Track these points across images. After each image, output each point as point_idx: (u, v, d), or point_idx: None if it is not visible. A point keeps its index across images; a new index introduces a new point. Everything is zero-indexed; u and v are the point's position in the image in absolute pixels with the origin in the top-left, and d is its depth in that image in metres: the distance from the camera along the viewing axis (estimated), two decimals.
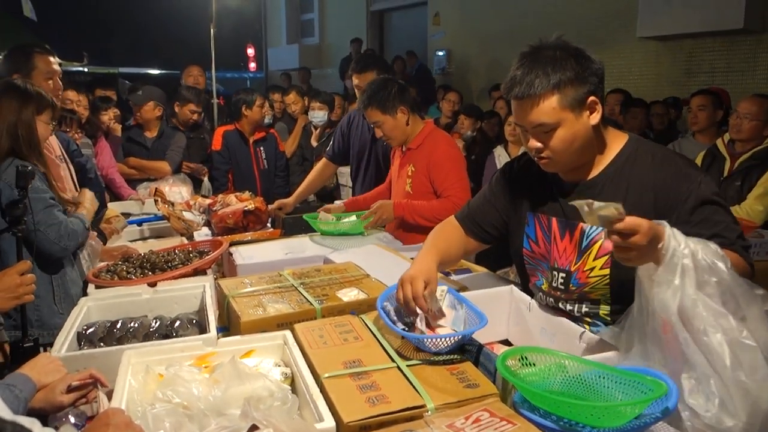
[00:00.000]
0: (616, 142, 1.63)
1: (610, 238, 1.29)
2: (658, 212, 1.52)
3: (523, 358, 1.34)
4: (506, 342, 1.82)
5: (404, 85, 2.94)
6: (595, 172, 1.63)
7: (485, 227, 1.87)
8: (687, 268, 1.25)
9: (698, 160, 3.74)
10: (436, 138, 2.90)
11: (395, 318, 1.60)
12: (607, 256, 1.59)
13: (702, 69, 6.62)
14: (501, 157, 4.97)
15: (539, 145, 1.57)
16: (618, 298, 1.59)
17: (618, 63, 7.27)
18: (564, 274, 1.67)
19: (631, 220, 1.25)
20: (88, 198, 2.50)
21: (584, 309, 1.67)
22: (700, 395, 1.21)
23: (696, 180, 1.52)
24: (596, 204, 1.25)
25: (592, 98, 1.53)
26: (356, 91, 3.44)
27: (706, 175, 1.56)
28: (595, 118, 1.55)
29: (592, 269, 1.62)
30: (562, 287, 1.68)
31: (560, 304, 1.71)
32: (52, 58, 2.74)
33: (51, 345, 1.88)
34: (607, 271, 1.59)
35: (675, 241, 1.27)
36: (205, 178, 4.60)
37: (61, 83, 2.79)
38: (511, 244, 1.84)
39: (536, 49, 1.54)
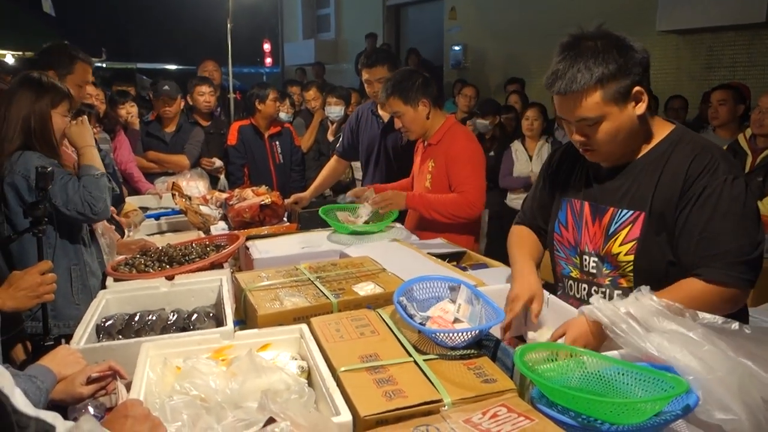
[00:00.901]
0: (662, 130, 1.61)
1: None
2: (680, 198, 1.51)
3: (541, 354, 1.33)
4: (523, 337, 1.80)
5: (429, 78, 2.92)
6: (637, 156, 1.61)
7: (539, 223, 1.87)
8: (628, 323, 1.31)
9: None
10: (456, 132, 2.88)
11: (412, 312, 1.59)
12: (632, 243, 1.57)
13: (723, 63, 6.52)
14: (518, 151, 4.95)
15: (583, 138, 1.56)
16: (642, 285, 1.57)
17: None
18: (596, 258, 1.66)
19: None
20: (74, 132, 2.37)
21: (615, 296, 1.64)
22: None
23: (720, 177, 1.47)
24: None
25: (637, 89, 1.50)
26: (366, 85, 3.43)
27: (738, 177, 1.49)
28: (641, 108, 1.52)
29: (617, 255, 1.60)
30: (594, 271, 1.67)
31: (593, 290, 1.69)
32: (90, 68, 2.80)
33: (65, 336, 1.91)
34: (631, 258, 1.58)
35: (604, 314, 1.35)
36: (221, 174, 4.62)
37: (87, 92, 2.86)
38: (548, 231, 1.84)
39: (577, 40, 1.52)
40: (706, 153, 1.51)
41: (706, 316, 1.29)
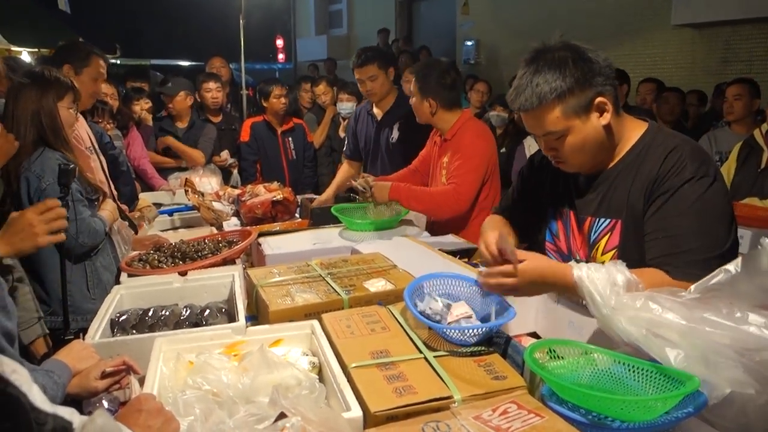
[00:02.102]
0: (634, 133, 1.59)
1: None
2: (648, 201, 1.50)
3: (551, 351, 1.33)
4: (534, 335, 1.80)
5: (452, 77, 2.93)
6: (611, 165, 1.60)
7: (514, 220, 1.87)
8: (605, 296, 1.30)
9: (734, 152, 3.65)
10: (468, 128, 2.87)
11: (423, 309, 1.59)
12: (613, 251, 1.58)
13: (739, 57, 6.44)
14: (531, 147, 4.91)
15: (552, 151, 1.57)
16: None
17: (651, 52, 7.11)
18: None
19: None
20: (110, 207, 2.49)
21: None
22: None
23: (686, 177, 1.46)
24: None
25: (599, 99, 1.49)
26: (359, 85, 3.50)
27: (705, 176, 1.46)
28: (606, 118, 1.51)
29: (603, 263, 1.60)
30: None
31: None
32: (103, 63, 2.84)
33: (82, 329, 1.93)
34: None
35: (585, 278, 1.33)
36: (234, 169, 4.64)
37: (102, 86, 2.90)
38: (534, 239, 1.83)
39: (538, 54, 1.51)
40: (675, 153, 1.49)
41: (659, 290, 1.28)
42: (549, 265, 1.43)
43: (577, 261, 1.66)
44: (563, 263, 1.43)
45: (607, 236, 1.58)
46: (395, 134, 3.42)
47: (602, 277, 1.32)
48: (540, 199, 1.79)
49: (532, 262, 1.41)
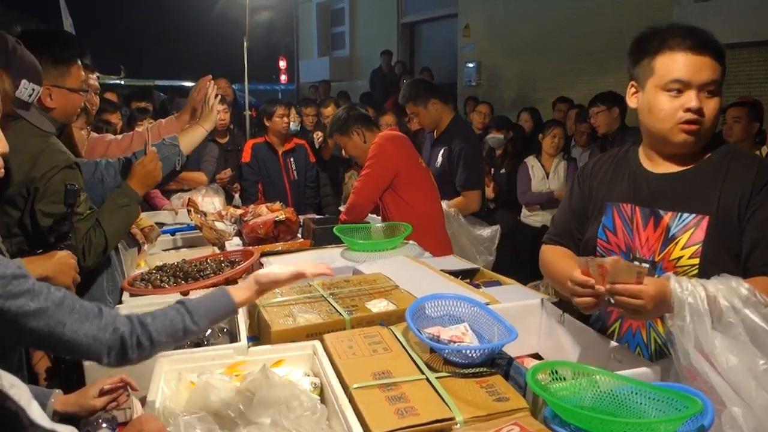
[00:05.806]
0: (716, 141, 1.64)
1: (618, 302, 1.41)
2: (742, 209, 1.51)
3: (554, 372, 1.33)
4: (537, 356, 1.80)
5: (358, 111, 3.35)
6: (695, 164, 1.61)
7: (576, 235, 1.82)
8: (696, 311, 1.30)
9: None
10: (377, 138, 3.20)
11: (425, 330, 1.59)
12: (697, 246, 1.54)
13: (738, 80, 6.48)
14: (534, 167, 4.93)
15: (700, 106, 1.54)
16: None
17: None
18: (647, 265, 1.59)
19: (642, 288, 1.36)
20: None
21: None
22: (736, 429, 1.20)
23: None
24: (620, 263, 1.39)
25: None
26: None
27: None
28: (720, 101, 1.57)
29: (679, 258, 1.56)
30: None
31: None
32: (92, 74, 2.86)
33: None
34: (696, 261, 1.54)
35: (681, 289, 1.34)
36: (237, 194, 4.65)
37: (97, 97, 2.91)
38: (584, 236, 1.80)
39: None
40: (766, 166, 1.54)
41: None
42: (665, 282, 1.39)
43: (637, 258, 1.65)
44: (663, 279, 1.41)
45: (690, 231, 1.55)
46: (440, 160, 3.73)
47: (723, 290, 1.31)
48: (593, 197, 1.77)
49: (654, 286, 1.38)
